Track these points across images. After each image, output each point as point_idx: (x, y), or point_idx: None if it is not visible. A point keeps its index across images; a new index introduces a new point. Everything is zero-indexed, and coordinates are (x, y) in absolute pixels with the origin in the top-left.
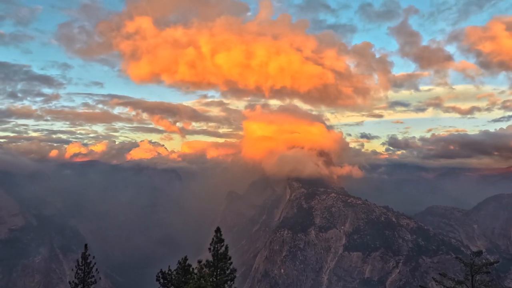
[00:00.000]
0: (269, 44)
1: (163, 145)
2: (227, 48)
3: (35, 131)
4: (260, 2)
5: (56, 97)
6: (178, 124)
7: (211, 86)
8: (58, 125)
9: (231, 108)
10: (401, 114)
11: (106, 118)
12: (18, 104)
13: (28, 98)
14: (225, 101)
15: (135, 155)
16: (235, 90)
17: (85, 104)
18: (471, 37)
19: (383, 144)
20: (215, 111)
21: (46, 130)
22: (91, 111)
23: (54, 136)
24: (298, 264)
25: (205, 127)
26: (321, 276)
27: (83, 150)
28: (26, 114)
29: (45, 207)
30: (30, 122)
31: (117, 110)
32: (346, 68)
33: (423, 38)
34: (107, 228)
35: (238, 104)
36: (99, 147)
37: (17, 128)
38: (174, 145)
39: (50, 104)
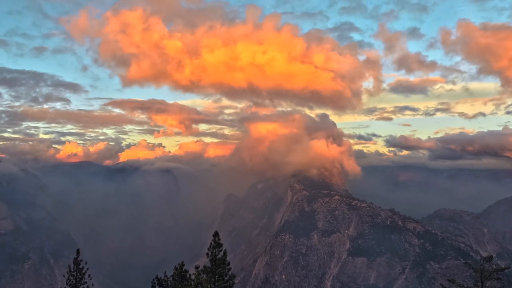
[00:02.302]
0: (264, 45)
1: (163, 146)
2: (221, 50)
3: (45, 133)
4: (247, 6)
5: (75, 101)
6: (178, 124)
7: (210, 87)
8: (69, 127)
9: (231, 110)
10: (409, 117)
11: (118, 121)
12: (34, 108)
13: (48, 103)
14: (223, 102)
15: (131, 155)
16: (235, 92)
17: (102, 108)
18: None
19: (385, 145)
20: (214, 112)
21: (56, 132)
22: (107, 114)
23: (62, 138)
24: (300, 270)
25: (204, 128)
26: (324, 282)
27: (80, 151)
28: (41, 117)
29: (35, 210)
30: (42, 124)
31: (130, 114)
32: (339, 68)
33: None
34: (100, 232)
35: (237, 105)
36: (96, 148)
37: (28, 131)
38: (172, 146)
39: (68, 108)
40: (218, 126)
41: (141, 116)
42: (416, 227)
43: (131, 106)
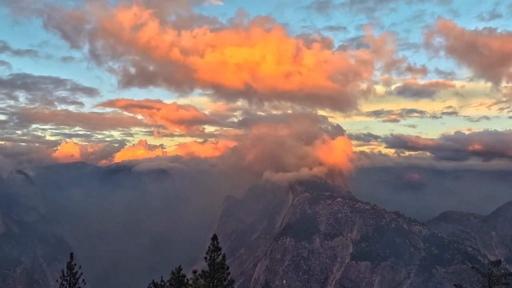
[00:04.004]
0: (258, 46)
1: (163, 147)
2: (216, 52)
3: (52, 135)
4: (238, 10)
5: (89, 104)
6: (178, 125)
7: (210, 88)
8: (77, 129)
9: (235, 112)
10: (416, 119)
11: (125, 123)
12: (47, 110)
13: (62, 105)
14: (226, 104)
15: (128, 156)
16: (237, 93)
17: (114, 111)
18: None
19: (386, 146)
20: (216, 113)
21: (63, 134)
22: (117, 116)
23: (68, 140)
24: (302, 275)
25: (208, 129)
26: (326, 287)
27: (76, 151)
28: (50, 119)
29: (28, 212)
30: (50, 126)
31: (139, 116)
32: (335, 69)
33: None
34: (94, 235)
35: (239, 106)
36: (94, 148)
37: (35, 132)
38: (170, 146)
39: (80, 110)
40: (224, 128)
41: (142, 117)
42: (421, 230)
43: (124, 105)
